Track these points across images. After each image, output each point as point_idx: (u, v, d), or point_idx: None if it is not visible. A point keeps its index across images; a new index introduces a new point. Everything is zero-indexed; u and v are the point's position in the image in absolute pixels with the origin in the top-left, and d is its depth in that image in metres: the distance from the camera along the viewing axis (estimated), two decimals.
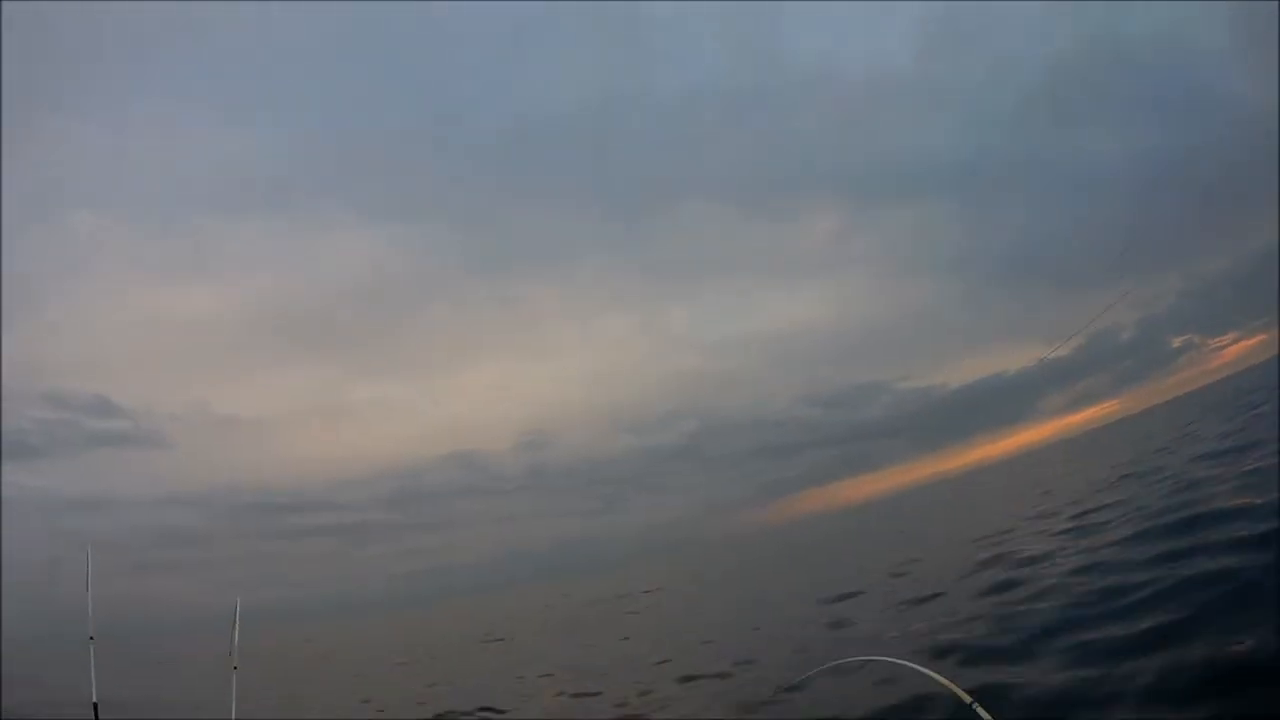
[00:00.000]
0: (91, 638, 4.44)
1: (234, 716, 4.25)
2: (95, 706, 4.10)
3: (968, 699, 3.47)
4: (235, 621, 4.87)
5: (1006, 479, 56.44)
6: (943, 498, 61.87)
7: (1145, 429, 46.51)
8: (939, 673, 3.88)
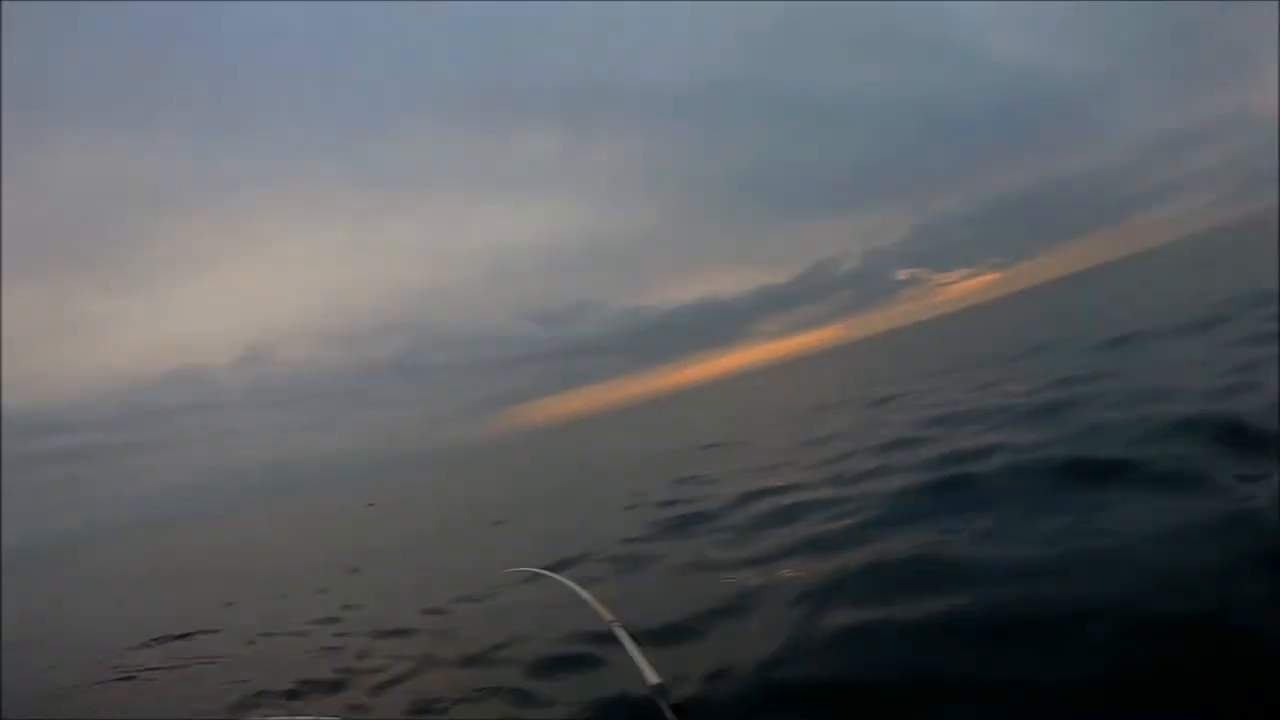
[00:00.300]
0: None
1: None
2: None
3: (608, 617, 3.42)
4: None
5: (713, 400, 61.35)
6: (647, 418, 64.81)
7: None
8: (588, 590, 3.93)
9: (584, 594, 3.78)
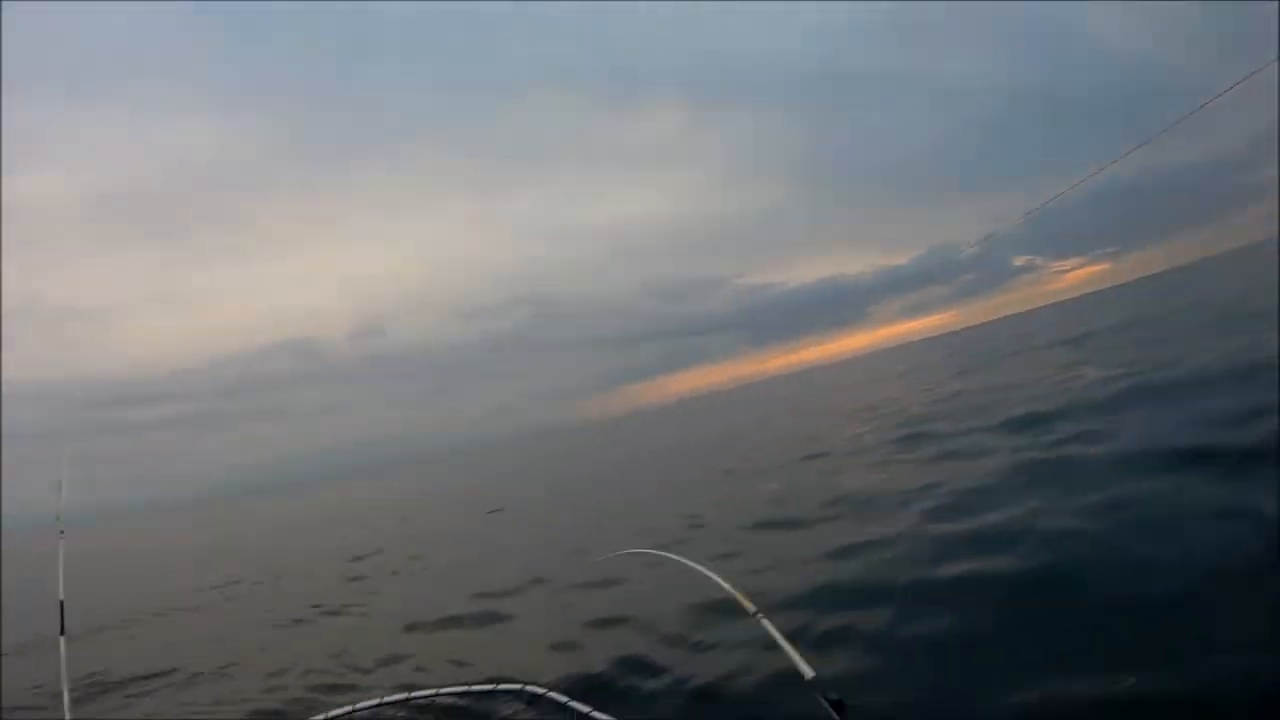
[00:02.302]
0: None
1: (61, 581, 4.01)
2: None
3: (751, 608, 3.14)
4: (62, 487, 4.53)
5: (842, 378, 59.09)
6: (779, 394, 64.83)
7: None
8: (726, 579, 3.56)
9: (727, 585, 3.45)
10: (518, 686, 3.88)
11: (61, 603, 4.05)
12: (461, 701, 4.10)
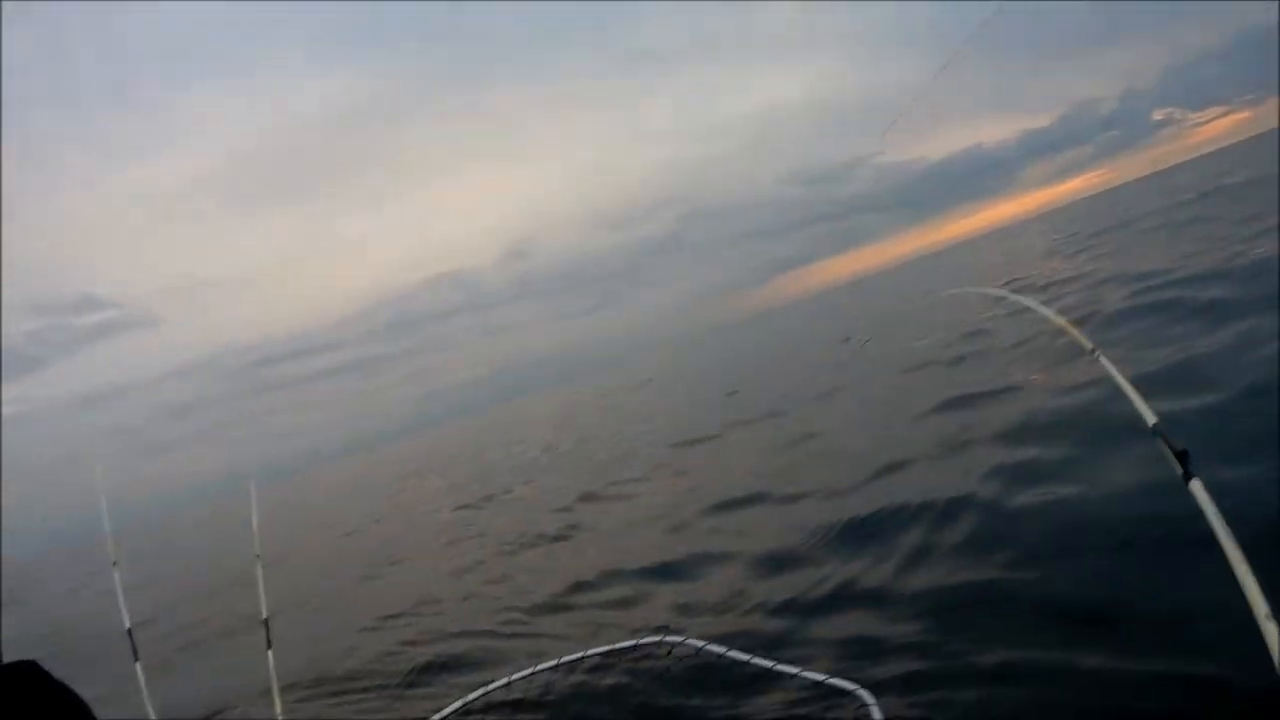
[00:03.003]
0: (115, 563, 4.21)
1: (264, 613, 3.84)
2: (130, 632, 3.88)
3: (1088, 345, 2.85)
4: (253, 507, 4.46)
5: (995, 249, 54.12)
6: (932, 268, 62.78)
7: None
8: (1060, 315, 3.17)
9: (1060, 320, 3.15)
10: (667, 638, 3.74)
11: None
12: (609, 660, 4.04)
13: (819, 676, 3.05)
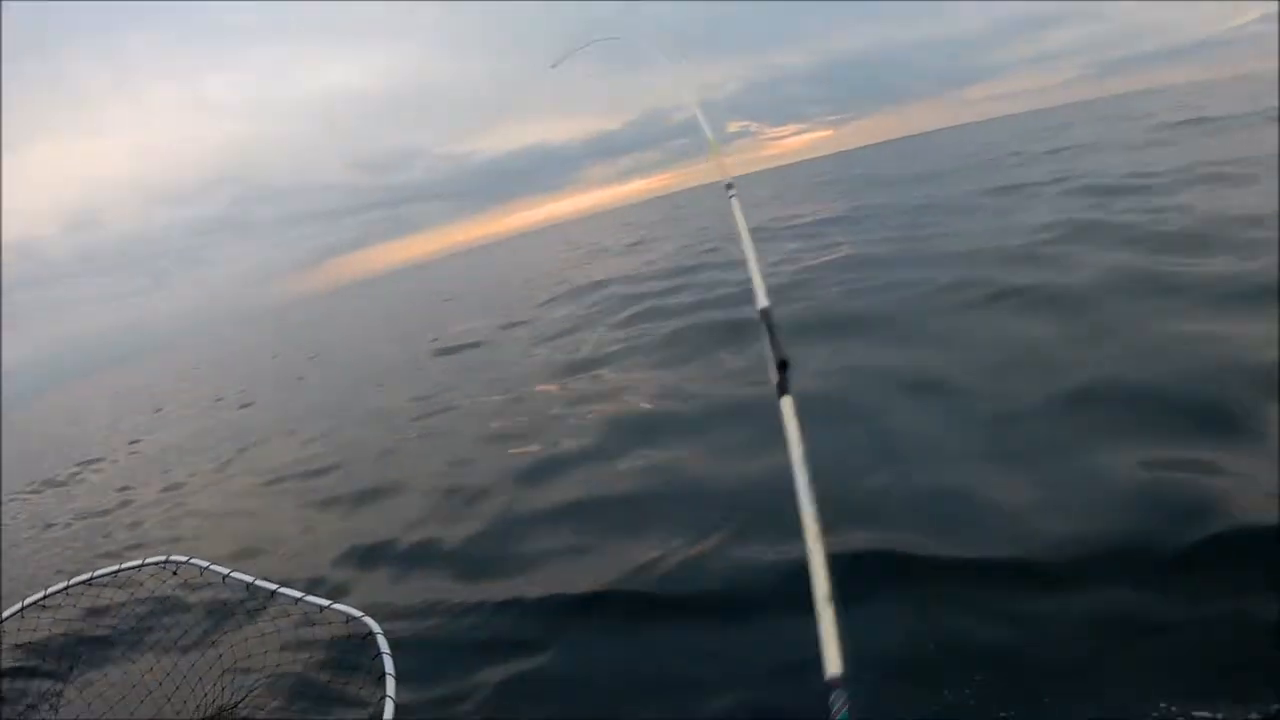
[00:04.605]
0: None
1: None
2: None
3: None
4: None
5: (546, 244, 61.76)
6: (473, 263, 68.93)
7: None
8: None
9: None
10: (173, 557, 3.60)
11: None
12: (118, 580, 3.80)
13: (324, 602, 3.11)
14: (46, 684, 4.41)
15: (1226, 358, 4.65)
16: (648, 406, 7.09)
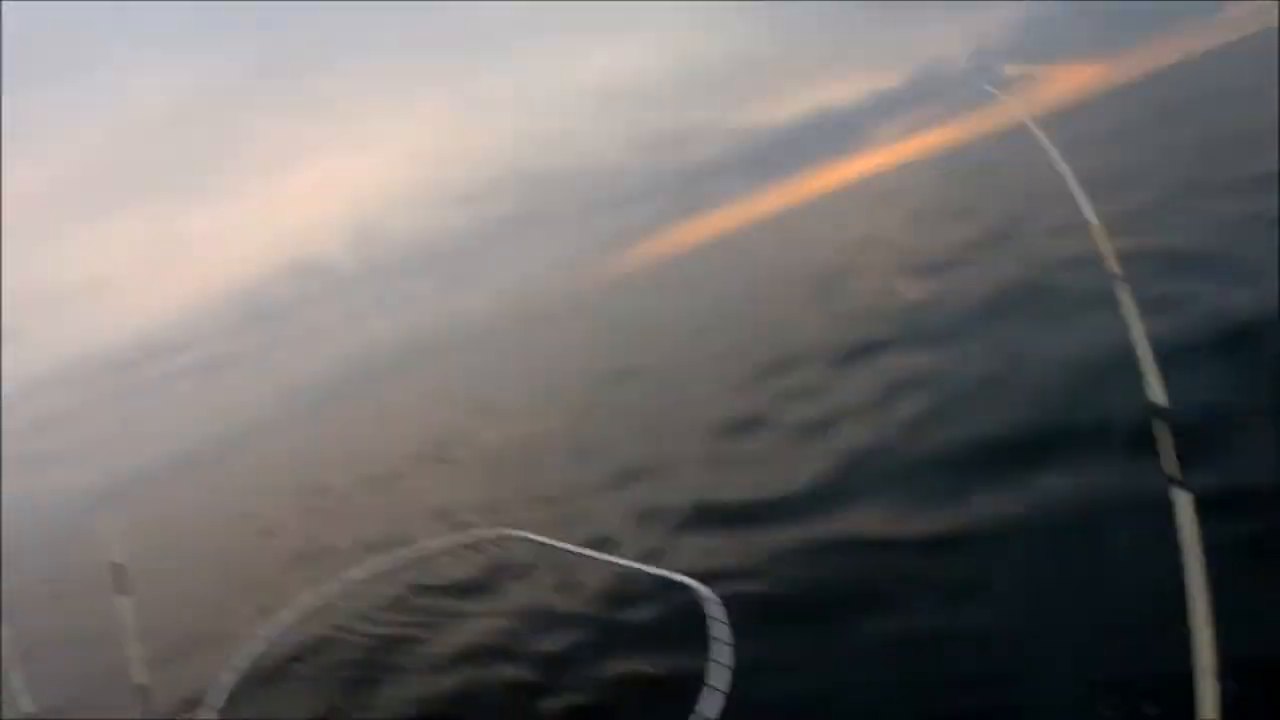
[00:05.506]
0: None
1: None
2: None
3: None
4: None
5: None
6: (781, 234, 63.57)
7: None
8: None
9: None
10: (505, 531, 3.86)
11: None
12: (457, 554, 4.16)
13: (653, 570, 3.08)
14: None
15: None
16: None
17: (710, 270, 46.97)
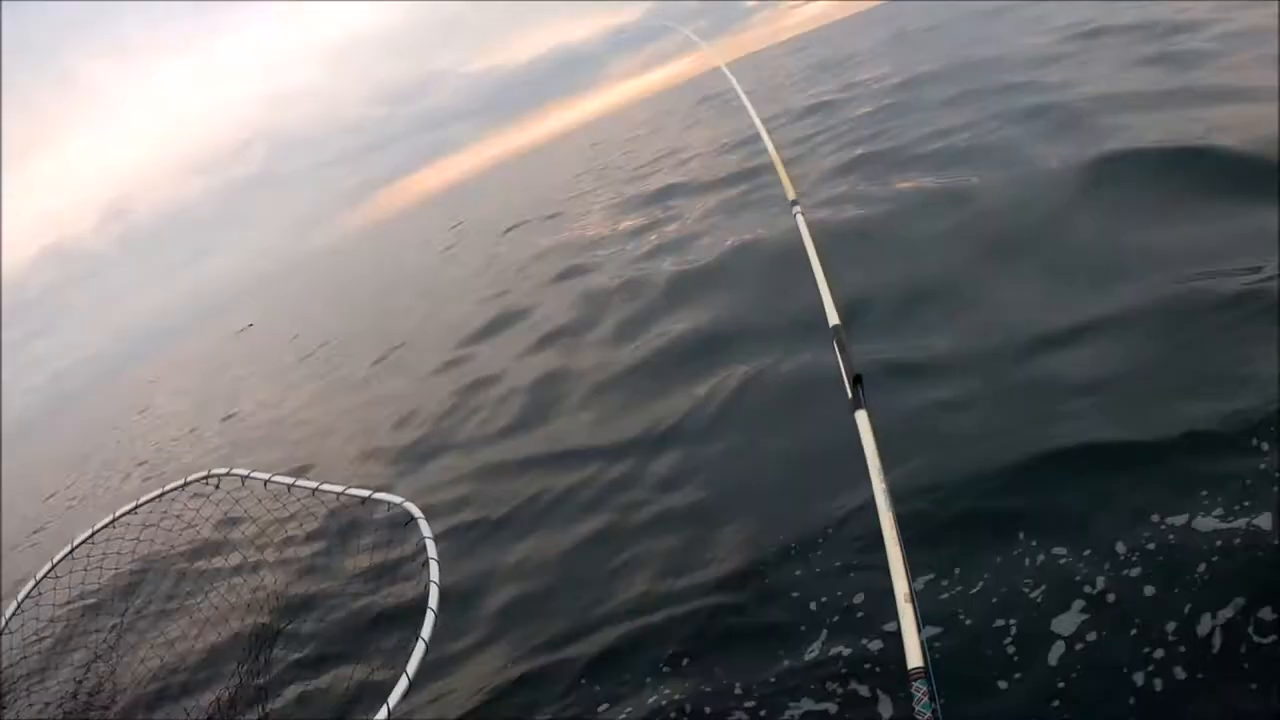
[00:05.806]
0: None
1: None
2: None
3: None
4: None
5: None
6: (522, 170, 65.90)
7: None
8: None
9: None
10: (214, 471, 3.64)
11: None
12: (164, 504, 3.89)
13: (364, 492, 3.09)
14: (103, 630, 4.53)
15: None
16: None
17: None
